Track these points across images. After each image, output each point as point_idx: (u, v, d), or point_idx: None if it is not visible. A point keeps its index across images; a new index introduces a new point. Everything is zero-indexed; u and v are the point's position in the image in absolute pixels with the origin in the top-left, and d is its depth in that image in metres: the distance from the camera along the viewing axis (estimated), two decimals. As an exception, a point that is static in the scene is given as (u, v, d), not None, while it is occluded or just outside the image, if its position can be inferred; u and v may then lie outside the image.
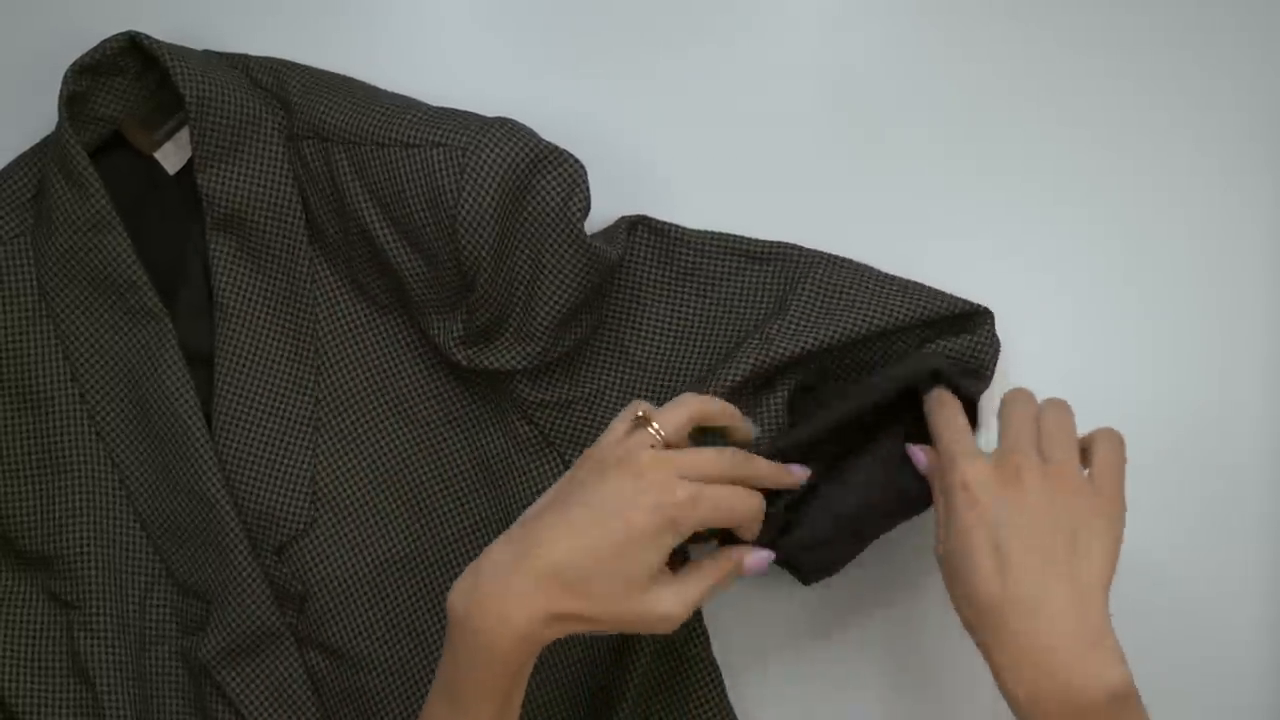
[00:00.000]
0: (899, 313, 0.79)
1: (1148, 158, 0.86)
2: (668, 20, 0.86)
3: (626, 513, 0.66)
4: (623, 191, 0.86)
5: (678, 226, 0.82)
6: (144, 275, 0.79)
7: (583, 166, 0.77)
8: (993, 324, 0.81)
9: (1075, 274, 0.86)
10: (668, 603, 0.67)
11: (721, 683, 0.83)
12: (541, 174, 0.76)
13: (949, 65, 0.86)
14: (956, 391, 0.74)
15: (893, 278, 0.81)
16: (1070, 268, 0.86)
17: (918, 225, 0.86)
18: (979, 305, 0.81)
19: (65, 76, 0.79)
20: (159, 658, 0.81)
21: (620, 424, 0.70)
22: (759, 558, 0.72)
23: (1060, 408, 0.71)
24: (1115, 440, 0.70)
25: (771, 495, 0.72)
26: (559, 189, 0.76)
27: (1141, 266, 0.86)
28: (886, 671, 0.86)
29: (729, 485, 0.69)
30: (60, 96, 0.78)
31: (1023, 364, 0.85)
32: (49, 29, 0.86)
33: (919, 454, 0.74)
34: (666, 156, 0.86)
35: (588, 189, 0.77)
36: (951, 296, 0.81)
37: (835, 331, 0.79)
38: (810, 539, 0.74)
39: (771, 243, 0.82)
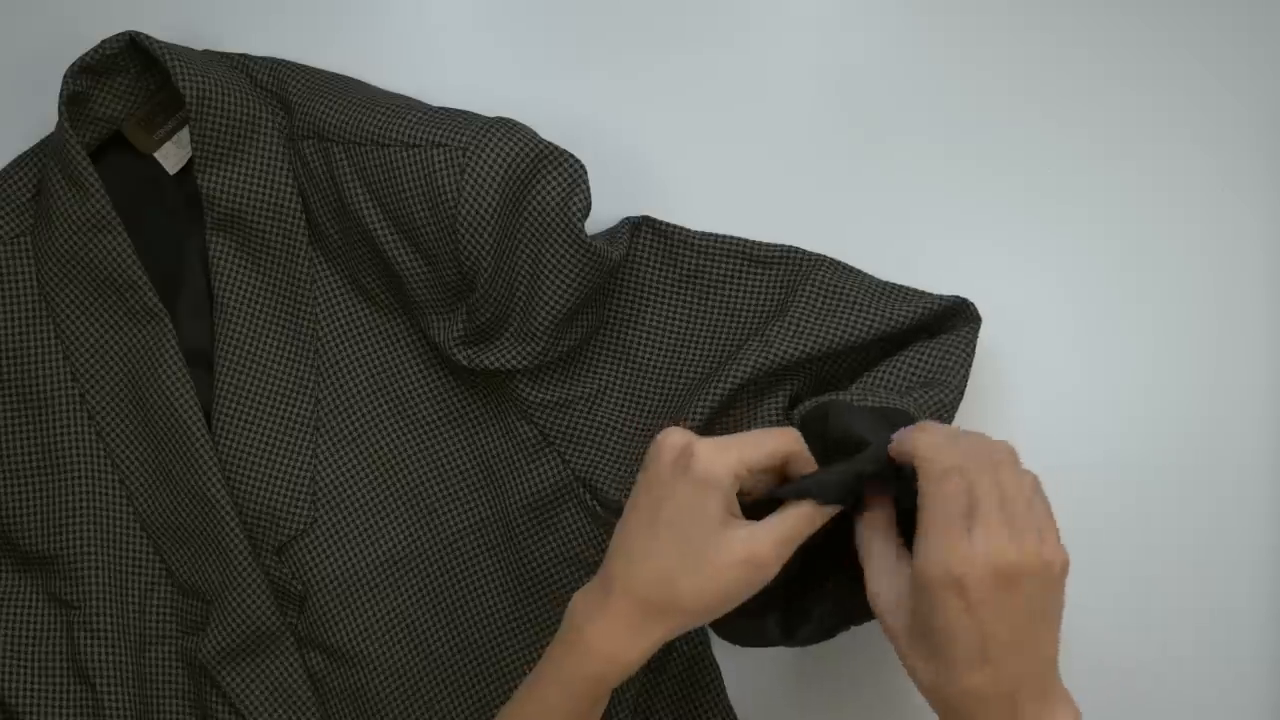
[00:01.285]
0: (899, 316, 0.79)
1: (1147, 158, 0.86)
2: (668, 20, 0.86)
3: (667, 493, 0.65)
4: (622, 192, 0.86)
5: (681, 228, 0.82)
6: (144, 275, 0.79)
7: (583, 166, 0.77)
8: (974, 331, 0.80)
9: (1075, 274, 0.86)
10: (737, 550, 0.65)
11: (721, 683, 0.83)
12: (542, 174, 0.76)
13: (949, 65, 0.86)
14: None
15: (894, 284, 0.81)
16: (1070, 268, 0.86)
17: (918, 225, 0.86)
18: (973, 309, 0.80)
19: (65, 76, 0.79)
20: (159, 658, 0.81)
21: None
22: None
23: (1024, 474, 0.65)
24: (1037, 485, 0.65)
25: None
26: (559, 189, 0.76)
27: (1141, 266, 0.86)
28: (886, 671, 0.86)
29: (762, 431, 0.67)
30: (60, 96, 0.78)
31: (1022, 364, 0.85)
32: (49, 29, 0.86)
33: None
34: (666, 157, 0.86)
35: (588, 189, 0.77)
36: (954, 298, 0.80)
37: (835, 334, 0.79)
38: (815, 635, 0.72)
39: (775, 246, 0.82)
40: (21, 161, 0.82)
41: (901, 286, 0.81)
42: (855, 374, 0.81)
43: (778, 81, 0.86)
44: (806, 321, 0.79)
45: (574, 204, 0.77)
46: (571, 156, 0.77)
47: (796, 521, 0.66)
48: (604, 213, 0.85)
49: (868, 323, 0.79)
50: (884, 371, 0.79)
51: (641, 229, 0.82)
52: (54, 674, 0.80)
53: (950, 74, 0.86)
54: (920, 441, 0.64)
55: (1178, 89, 0.86)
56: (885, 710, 0.86)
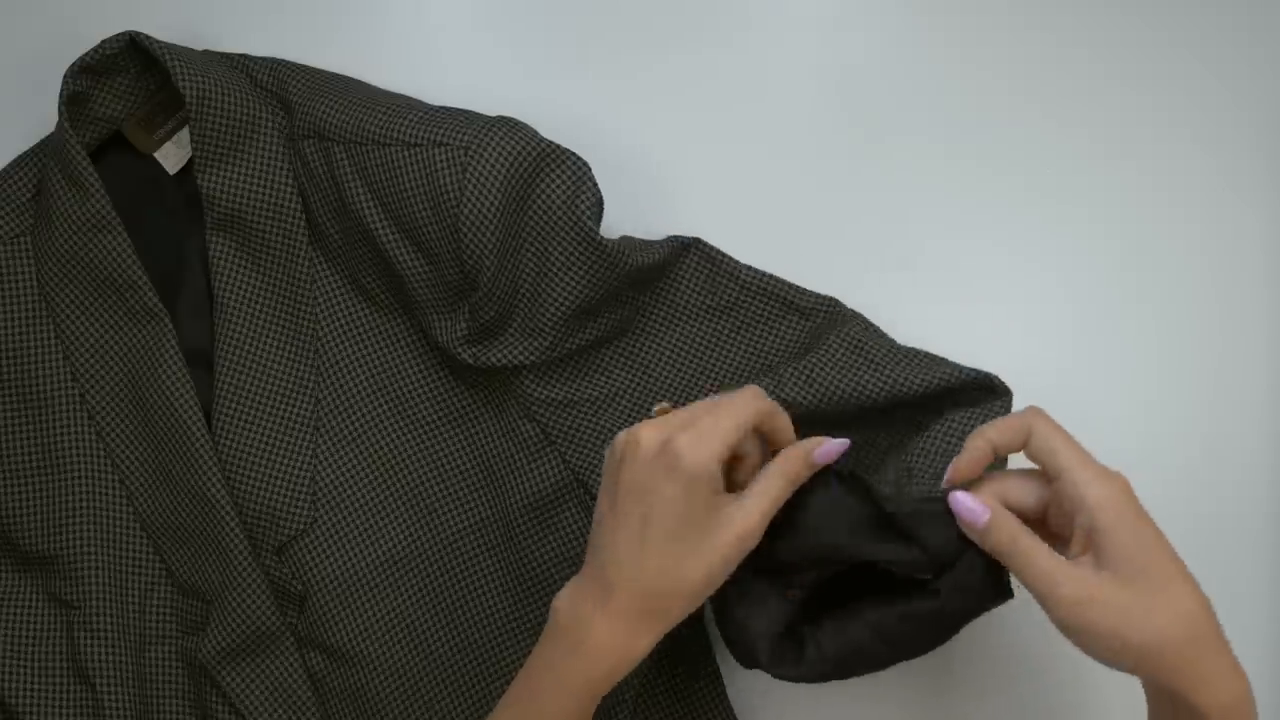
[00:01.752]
0: (916, 384, 0.78)
1: (1148, 158, 0.86)
2: (668, 20, 0.86)
3: (655, 495, 0.65)
4: (622, 192, 0.86)
5: (730, 258, 0.81)
6: (144, 275, 0.79)
7: (586, 165, 0.77)
8: (1009, 404, 0.79)
9: (1075, 274, 0.86)
10: (734, 526, 0.66)
11: (722, 685, 0.83)
12: (545, 172, 0.76)
13: (949, 65, 0.86)
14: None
15: (920, 352, 0.80)
16: (1070, 268, 0.86)
17: (918, 225, 0.86)
18: (1000, 382, 0.79)
19: (65, 76, 0.79)
20: (159, 658, 0.81)
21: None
22: (830, 446, 0.68)
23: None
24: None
25: (782, 574, 0.70)
26: (565, 187, 0.76)
27: (1141, 266, 0.86)
28: (884, 673, 0.86)
29: (728, 403, 0.67)
30: (60, 96, 0.78)
31: (1023, 364, 0.85)
32: (49, 29, 0.86)
33: (969, 503, 0.66)
34: (666, 156, 0.86)
35: (596, 186, 0.77)
36: (976, 371, 0.78)
37: (846, 388, 0.78)
38: (843, 651, 0.70)
39: (818, 296, 0.81)
40: (21, 161, 0.82)
41: (927, 354, 0.80)
42: (876, 434, 0.81)
43: (778, 81, 0.86)
44: (821, 370, 0.79)
45: (581, 202, 0.77)
46: (574, 155, 0.77)
47: (779, 486, 0.67)
48: (605, 213, 0.85)
49: (882, 384, 0.78)
50: (918, 458, 0.78)
51: (691, 250, 0.82)
52: (54, 674, 0.80)
53: (950, 74, 0.86)
54: (1003, 423, 0.67)
55: (1178, 89, 0.86)
56: (885, 709, 0.86)
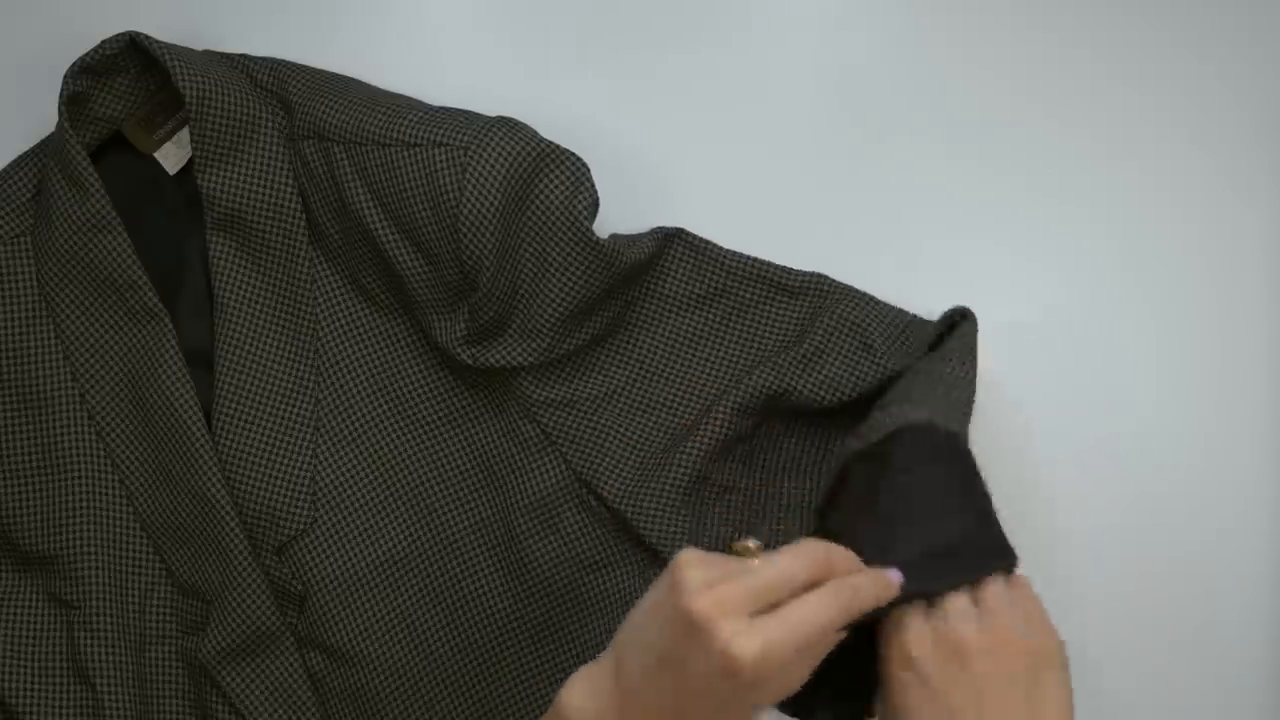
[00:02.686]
0: (911, 359, 0.79)
1: (1149, 158, 0.86)
2: (668, 20, 0.86)
3: (702, 692, 0.59)
4: (622, 192, 0.86)
5: (714, 245, 0.82)
6: (144, 275, 0.79)
7: (586, 165, 0.77)
8: (974, 326, 0.80)
9: (1077, 274, 0.86)
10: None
11: (722, 683, 0.83)
12: (545, 173, 0.76)
13: (950, 65, 0.86)
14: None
15: (913, 319, 0.81)
16: (1071, 268, 0.86)
17: (918, 225, 0.86)
18: (964, 309, 0.81)
19: (65, 77, 0.79)
20: (159, 658, 0.81)
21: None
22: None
23: (1003, 582, 0.67)
24: (1024, 583, 0.67)
25: None
26: (564, 188, 0.76)
27: (1142, 266, 0.86)
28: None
29: (803, 600, 0.61)
30: (60, 97, 0.78)
31: (1024, 363, 0.85)
32: (49, 29, 0.86)
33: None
34: (666, 156, 0.86)
35: (593, 187, 0.77)
36: (950, 317, 0.80)
37: (844, 373, 0.79)
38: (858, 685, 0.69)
39: (804, 274, 0.82)
40: (21, 161, 0.82)
41: (920, 320, 0.81)
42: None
43: (778, 81, 0.86)
44: (819, 356, 0.79)
45: (579, 202, 0.77)
46: (574, 155, 0.77)
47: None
48: (604, 213, 0.85)
49: (879, 372, 0.79)
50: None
51: (675, 241, 0.82)
52: (54, 674, 0.80)
53: (951, 74, 0.86)
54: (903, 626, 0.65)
55: (1178, 89, 0.86)
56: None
